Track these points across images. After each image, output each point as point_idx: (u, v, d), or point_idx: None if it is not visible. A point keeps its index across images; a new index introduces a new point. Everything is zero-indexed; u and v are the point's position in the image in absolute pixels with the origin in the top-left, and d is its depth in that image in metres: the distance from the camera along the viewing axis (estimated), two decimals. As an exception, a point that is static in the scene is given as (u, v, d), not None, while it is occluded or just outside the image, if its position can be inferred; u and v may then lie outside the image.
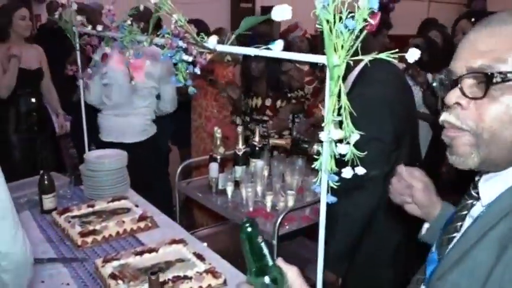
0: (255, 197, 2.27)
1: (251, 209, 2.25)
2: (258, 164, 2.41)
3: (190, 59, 1.48)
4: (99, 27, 2.11)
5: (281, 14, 1.13)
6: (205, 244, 2.02)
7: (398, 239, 1.91)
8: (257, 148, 2.53)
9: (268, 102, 3.20)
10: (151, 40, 1.62)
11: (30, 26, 3.11)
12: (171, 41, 1.45)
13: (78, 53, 2.42)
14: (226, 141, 2.65)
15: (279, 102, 3.21)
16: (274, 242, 1.98)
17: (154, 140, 3.15)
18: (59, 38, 3.33)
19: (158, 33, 1.51)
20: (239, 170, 2.44)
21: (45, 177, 2.26)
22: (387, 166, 1.77)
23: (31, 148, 3.24)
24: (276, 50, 1.17)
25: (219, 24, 4.96)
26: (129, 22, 1.81)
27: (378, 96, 1.82)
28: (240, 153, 2.46)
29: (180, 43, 1.46)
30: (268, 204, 2.23)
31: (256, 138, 2.55)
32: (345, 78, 1.86)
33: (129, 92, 2.91)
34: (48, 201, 2.28)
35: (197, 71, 1.52)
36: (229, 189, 2.35)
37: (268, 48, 1.18)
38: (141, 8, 1.88)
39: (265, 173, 2.43)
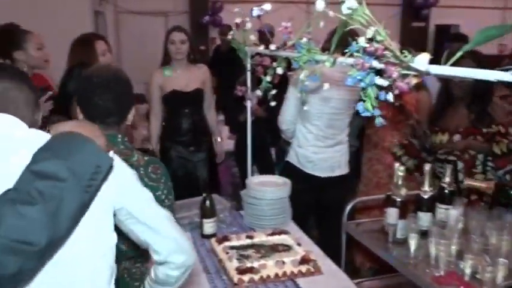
0: (447, 257, 1.81)
1: (442, 272, 1.78)
2: (451, 213, 1.93)
3: (386, 83, 1.18)
4: (272, 46, 1.95)
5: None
6: (376, 305, 1.67)
7: None
8: (446, 192, 2.07)
9: (456, 138, 2.67)
10: (335, 60, 1.37)
11: (181, 49, 3.07)
12: (363, 61, 1.17)
13: (248, 73, 2.31)
14: (409, 175, 2.22)
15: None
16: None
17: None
18: (231, 58, 3.35)
19: (345, 50, 1.25)
20: (424, 218, 2.00)
21: (207, 201, 2.18)
22: None
23: (187, 166, 3.26)
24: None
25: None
26: (305, 40, 1.59)
27: None
28: (426, 196, 2.03)
29: (375, 63, 1.17)
30: (467, 270, 1.73)
31: (447, 179, 2.08)
32: None
33: (339, 120, 2.65)
34: (209, 226, 2.19)
35: (390, 98, 1.22)
36: (413, 242, 1.92)
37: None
38: (321, 25, 1.66)
39: (460, 225, 1.93)
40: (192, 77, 3.17)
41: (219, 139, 3.40)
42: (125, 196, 1.14)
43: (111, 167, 1.00)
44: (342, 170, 2.71)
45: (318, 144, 2.64)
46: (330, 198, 2.67)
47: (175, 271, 1.26)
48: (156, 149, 3.25)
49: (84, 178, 0.90)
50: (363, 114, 1.27)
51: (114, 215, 1.14)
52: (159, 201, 1.50)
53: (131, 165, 1.44)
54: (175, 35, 3.07)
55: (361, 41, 1.13)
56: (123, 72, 1.58)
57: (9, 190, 0.85)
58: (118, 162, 1.14)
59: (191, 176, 3.23)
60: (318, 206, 2.75)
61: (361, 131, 3.36)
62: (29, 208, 0.82)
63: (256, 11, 1.87)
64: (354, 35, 1.24)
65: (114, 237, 1.12)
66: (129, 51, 7.15)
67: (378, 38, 1.07)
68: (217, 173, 3.51)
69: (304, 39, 1.52)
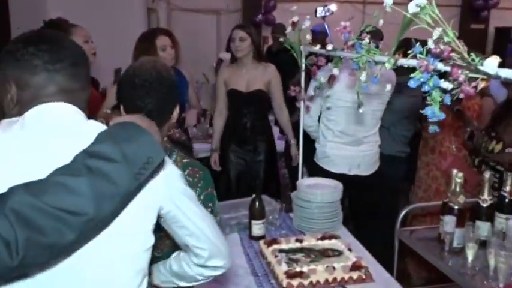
0: (508, 269, 1.71)
1: (501, 284, 1.70)
2: (511, 223, 1.84)
3: (450, 86, 1.11)
4: (329, 46, 1.91)
5: None
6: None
7: None
8: (506, 201, 1.96)
9: (509, 150, 2.50)
10: (396, 61, 1.31)
11: (240, 47, 3.01)
12: (427, 63, 1.11)
13: (302, 73, 2.27)
14: (464, 185, 2.12)
15: None
16: None
17: (381, 173, 2.77)
18: (283, 58, 3.31)
19: (409, 51, 1.19)
20: (483, 228, 1.91)
21: (257, 202, 2.16)
22: None
23: (243, 166, 3.22)
24: None
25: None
26: (367, 40, 1.53)
27: None
28: (485, 205, 1.93)
29: (440, 65, 1.11)
30: (529, 284, 1.65)
31: (507, 188, 1.97)
32: None
33: (359, 118, 2.60)
34: (257, 228, 2.17)
35: (447, 101, 1.16)
36: (471, 252, 1.84)
37: None
38: (380, 23, 1.60)
39: (520, 237, 1.83)
40: (256, 77, 3.09)
41: (292, 141, 3.24)
42: (173, 200, 1.09)
43: (162, 162, 0.98)
44: (362, 170, 2.67)
45: (335, 140, 2.66)
46: (354, 198, 2.63)
47: (211, 272, 1.25)
48: (216, 147, 3.23)
49: (136, 165, 0.89)
50: (431, 120, 1.21)
51: (159, 217, 1.10)
52: None
53: None
54: (235, 32, 3.05)
55: (429, 42, 1.08)
56: (167, 70, 1.50)
57: (62, 166, 0.86)
58: (169, 164, 1.09)
59: (246, 176, 3.19)
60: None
61: (413, 137, 3.24)
62: (72, 179, 0.83)
63: (321, 12, 1.83)
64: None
65: (151, 239, 1.06)
66: (181, 48, 7.28)
67: (446, 39, 1.00)
68: (278, 174, 3.45)
69: (366, 40, 1.47)
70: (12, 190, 0.81)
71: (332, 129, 2.66)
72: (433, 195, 3.00)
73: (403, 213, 2.23)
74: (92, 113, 2.27)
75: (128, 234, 0.99)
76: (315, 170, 2.71)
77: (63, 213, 0.80)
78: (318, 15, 1.73)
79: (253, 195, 2.17)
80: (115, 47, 2.72)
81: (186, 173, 1.45)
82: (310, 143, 2.82)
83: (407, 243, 2.18)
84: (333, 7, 1.73)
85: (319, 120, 2.76)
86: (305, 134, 2.73)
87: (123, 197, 0.89)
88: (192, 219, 1.14)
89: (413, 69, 1.73)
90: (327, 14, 1.74)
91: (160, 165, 0.97)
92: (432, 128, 1.25)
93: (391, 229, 2.39)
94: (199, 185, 1.47)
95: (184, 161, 1.49)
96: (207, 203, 1.48)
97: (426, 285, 2.80)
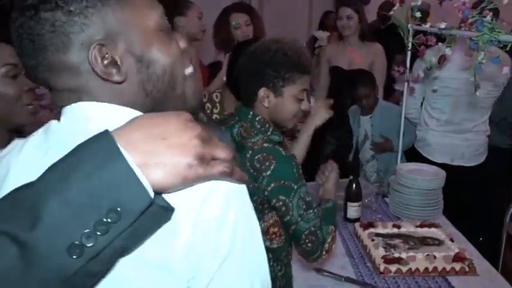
0: None
1: None
2: None
3: None
4: (442, 25, 1.80)
5: None
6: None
7: None
8: None
9: None
10: (527, 40, 1.20)
11: (347, 25, 2.95)
12: None
13: (409, 53, 2.17)
14: None
15: None
16: None
17: (486, 164, 2.60)
18: (387, 36, 3.19)
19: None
20: None
21: (354, 184, 2.13)
22: None
23: (331, 147, 3.21)
24: None
25: None
26: (489, 18, 1.42)
27: None
28: None
29: None
30: None
31: None
32: None
33: (468, 105, 2.43)
34: (353, 210, 2.15)
35: None
36: None
37: None
38: (504, 1, 1.47)
39: None
40: (362, 56, 3.02)
41: None
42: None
43: (167, 211, 0.54)
44: (466, 161, 2.50)
45: (439, 129, 2.51)
46: (453, 191, 2.43)
47: None
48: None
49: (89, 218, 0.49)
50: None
51: None
52: (258, 193, 1.32)
53: (244, 145, 1.34)
54: (342, 10, 2.99)
55: None
56: (254, 48, 1.44)
57: None
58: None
59: (335, 157, 3.17)
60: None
61: None
62: None
63: None
64: None
65: None
66: (271, 26, 7.21)
67: None
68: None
69: (488, 18, 1.36)
70: None
71: (436, 118, 2.51)
72: None
73: (513, 208, 2.07)
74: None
75: None
76: (414, 157, 2.58)
77: None
78: None
79: (351, 177, 2.14)
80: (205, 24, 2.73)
81: (256, 158, 1.32)
82: None
83: (517, 238, 2.04)
84: None
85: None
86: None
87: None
88: None
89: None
90: None
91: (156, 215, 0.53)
92: None
93: (491, 222, 2.23)
94: (266, 173, 1.30)
95: (265, 145, 1.34)
96: (278, 196, 1.32)
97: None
